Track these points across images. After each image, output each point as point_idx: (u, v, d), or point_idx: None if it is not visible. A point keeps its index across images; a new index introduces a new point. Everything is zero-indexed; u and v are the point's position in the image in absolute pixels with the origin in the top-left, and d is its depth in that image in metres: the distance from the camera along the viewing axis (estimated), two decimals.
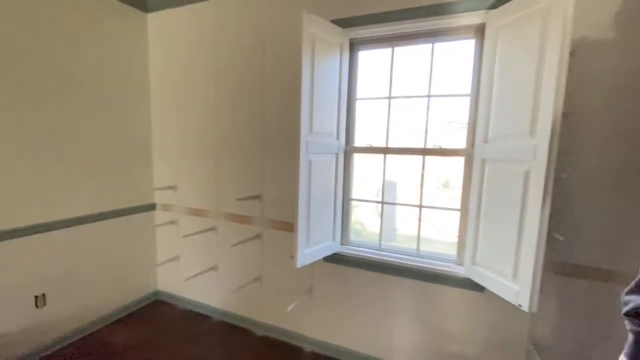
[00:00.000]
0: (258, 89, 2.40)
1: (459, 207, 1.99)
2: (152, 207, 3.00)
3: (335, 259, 2.24)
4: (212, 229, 2.75)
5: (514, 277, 1.56)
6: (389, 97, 2.11)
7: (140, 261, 2.95)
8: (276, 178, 2.44)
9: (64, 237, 2.35)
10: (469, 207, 1.89)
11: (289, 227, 2.41)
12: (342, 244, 2.29)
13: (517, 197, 1.54)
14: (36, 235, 2.20)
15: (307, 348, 2.45)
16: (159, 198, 3.01)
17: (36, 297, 2.23)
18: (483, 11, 1.74)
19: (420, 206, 2.08)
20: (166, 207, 2.98)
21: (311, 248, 2.00)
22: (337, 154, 2.12)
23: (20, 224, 2.12)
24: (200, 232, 2.71)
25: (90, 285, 2.55)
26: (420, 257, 2.10)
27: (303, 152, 1.82)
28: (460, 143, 1.98)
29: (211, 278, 2.79)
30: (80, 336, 2.49)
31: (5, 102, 1.99)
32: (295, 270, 2.42)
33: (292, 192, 2.34)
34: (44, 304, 2.28)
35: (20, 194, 2.11)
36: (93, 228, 2.53)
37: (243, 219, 2.61)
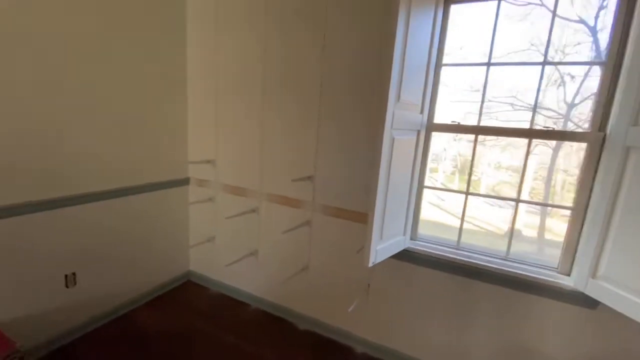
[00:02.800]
0: (317, 45, 2.01)
1: (570, 205, 1.61)
2: (185, 181, 2.72)
3: (402, 255, 1.91)
4: (253, 210, 2.46)
5: None
6: (488, 64, 1.69)
7: (172, 240, 2.72)
8: (333, 157, 2.09)
9: (93, 212, 2.10)
10: (590, 207, 1.51)
11: (344, 214, 2.09)
12: (411, 238, 1.95)
13: None
14: (67, 209, 1.95)
15: (359, 349, 2.19)
16: (193, 172, 2.73)
17: (66, 276, 2.02)
18: None
19: (518, 200, 1.71)
20: (201, 183, 2.69)
21: (384, 244, 1.68)
22: (418, 132, 1.75)
23: (50, 195, 1.86)
24: (243, 213, 2.42)
25: (121, 263, 2.32)
26: (511, 262, 1.75)
27: (387, 127, 1.45)
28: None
29: (249, 263, 2.53)
30: (111, 318, 2.30)
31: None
32: (348, 263, 2.12)
33: (352, 174, 2.01)
34: (74, 284, 2.06)
35: (50, 164, 1.84)
36: (122, 203, 2.27)
37: (290, 202, 2.29)
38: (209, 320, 2.38)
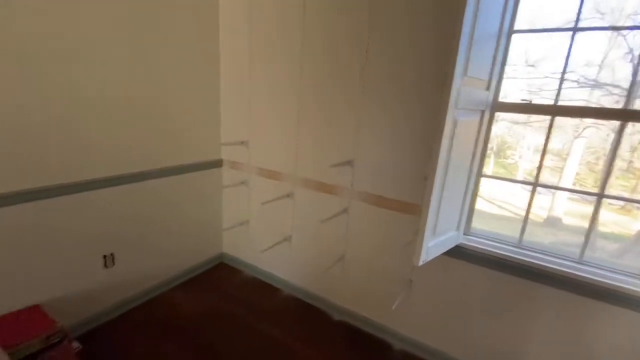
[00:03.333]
0: (363, 12, 1.78)
1: None
2: (218, 163, 2.64)
3: (452, 251, 1.72)
4: (288, 195, 2.34)
5: None
6: (574, 29, 1.39)
7: (205, 222, 2.68)
8: (377, 140, 1.89)
9: (129, 194, 2.07)
10: None
11: (386, 203, 1.92)
12: (464, 233, 1.74)
13: None
14: (102, 190, 1.93)
15: (397, 345, 2.06)
16: (226, 154, 2.63)
17: (105, 256, 2.02)
18: None
19: (601, 195, 1.44)
20: (234, 165, 2.60)
21: (436, 240, 1.49)
22: (483, 112, 1.50)
23: (89, 176, 1.84)
24: (278, 199, 2.31)
25: (155, 245, 2.31)
26: (586, 265, 1.50)
27: (451, 106, 1.23)
28: None
29: (283, 249, 2.44)
30: (146, 299, 2.32)
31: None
32: (388, 256, 1.96)
33: (398, 159, 1.81)
34: (113, 264, 2.07)
35: (88, 146, 1.80)
36: (157, 184, 2.22)
37: (326, 188, 2.14)
38: (242, 304, 2.35)
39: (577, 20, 1.39)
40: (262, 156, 2.43)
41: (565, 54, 1.42)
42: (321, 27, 1.95)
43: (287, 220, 2.40)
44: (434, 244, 1.48)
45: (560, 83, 1.45)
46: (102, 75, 1.80)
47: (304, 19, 2.00)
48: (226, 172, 2.67)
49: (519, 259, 1.58)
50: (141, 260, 2.24)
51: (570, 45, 1.42)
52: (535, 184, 1.56)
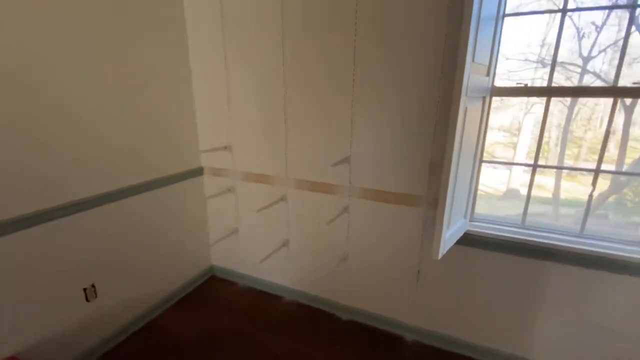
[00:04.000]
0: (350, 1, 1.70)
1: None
2: (198, 172, 2.45)
3: (460, 238, 1.72)
4: (281, 199, 2.22)
5: None
6: (563, 10, 1.41)
7: (191, 235, 2.49)
8: (371, 134, 1.84)
9: (104, 216, 1.84)
10: None
11: (387, 197, 1.89)
12: (469, 220, 1.76)
13: None
14: (75, 216, 1.69)
15: (409, 337, 2.06)
16: (207, 161, 2.45)
17: (85, 289, 1.79)
18: None
19: (598, 170, 1.50)
20: (217, 172, 2.43)
21: (450, 230, 1.47)
22: (484, 98, 1.49)
23: (54, 202, 1.59)
24: (271, 204, 2.18)
25: (140, 267, 2.10)
26: (586, 239, 1.57)
27: (463, 93, 1.20)
28: None
29: (280, 254, 2.33)
30: (138, 327, 2.11)
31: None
32: (392, 249, 1.94)
33: (397, 151, 1.77)
34: (95, 296, 1.85)
35: (50, 170, 1.56)
36: (133, 203, 2.00)
37: (322, 187, 2.06)
38: (243, 317, 2.22)
39: (566, 2, 1.41)
40: (248, 160, 2.28)
41: (560, 38, 1.44)
42: (303, 14, 1.83)
43: (282, 225, 2.29)
44: (449, 235, 1.46)
45: (552, 67, 1.47)
46: (58, 82, 1.56)
47: (281, 7, 1.87)
48: (208, 181, 2.49)
49: (524, 239, 1.62)
50: (126, 287, 2.03)
51: (561, 26, 1.44)
52: (535, 166, 1.60)
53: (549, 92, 1.49)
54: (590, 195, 1.54)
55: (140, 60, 1.92)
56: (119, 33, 1.78)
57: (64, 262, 1.67)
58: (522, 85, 1.53)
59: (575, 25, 4.61)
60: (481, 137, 1.56)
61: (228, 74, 2.15)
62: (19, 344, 1.51)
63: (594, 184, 1.51)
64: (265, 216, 2.28)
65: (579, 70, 4.54)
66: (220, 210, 2.51)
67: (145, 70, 1.97)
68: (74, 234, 1.70)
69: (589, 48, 4.46)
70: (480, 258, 1.76)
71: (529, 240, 1.61)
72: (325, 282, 2.25)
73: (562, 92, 1.49)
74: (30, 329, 1.56)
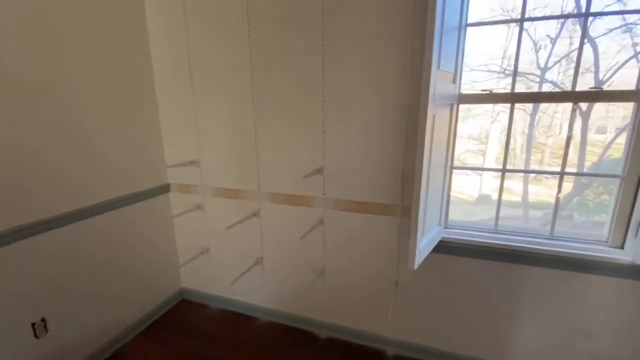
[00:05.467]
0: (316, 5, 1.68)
1: (619, 173, 1.46)
2: (165, 189, 2.32)
3: (436, 246, 1.70)
4: (253, 214, 2.13)
5: None
6: (521, 20, 1.46)
7: (158, 257, 2.33)
8: (344, 144, 1.81)
9: (57, 240, 1.68)
10: None
11: (362, 207, 1.85)
12: (444, 227, 1.75)
13: None
14: (22, 242, 1.53)
15: (390, 351, 2.00)
16: (174, 177, 2.33)
17: (34, 324, 1.61)
18: None
19: (562, 173, 1.53)
20: (185, 189, 2.31)
21: (425, 239, 1.45)
22: (452, 105, 1.50)
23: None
24: (243, 220, 2.09)
25: (100, 296, 1.93)
26: (557, 240, 1.59)
27: (430, 100, 1.19)
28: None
29: (254, 273, 2.23)
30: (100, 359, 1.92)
31: None
32: (370, 261, 1.90)
33: (371, 161, 1.75)
34: (45, 331, 1.66)
35: None
36: (92, 224, 1.85)
37: (296, 200, 2.00)
38: (216, 343, 2.08)
39: (523, 12, 1.46)
40: (217, 175, 2.19)
41: (520, 46, 1.49)
42: (270, 22, 1.80)
43: (256, 241, 2.19)
44: (424, 244, 1.44)
45: (514, 75, 1.52)
46: (17, 103, 1.42)
47: (248, 13, 1.83)
48: (175, 198, 2.36)
49: (497, 244, 1.62)
50: (85, 318, 1.85)
51: (520, 34, 1.49)
52: (503, 170, 1.62)
53: (512, 98, 1.53)
54: (557, 197, 1.57)
55: (102, 73, 1.81)
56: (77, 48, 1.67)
57: (7, 294, 1.49)
58: (487, 92, 1.56)
59: (531, 38, 4.90)
60: (451, 143, 1.57)
61: (193, 88, 2.07)
62: None
63: (559, 186, 1.55)
64: (237, 233, 2.17)
65: (538, 79, 4.82)
66: (189, 228, 2.38)
67: (106, 83, 1.85)
68: (19, 262, 1.53)
69: (545, 60, 4.73)
70: (456, 265, 1.74)
71: (503, 245, 1.62)
72: (302, 299, 2.16)
73: (525, 97, 1.54)
74: None
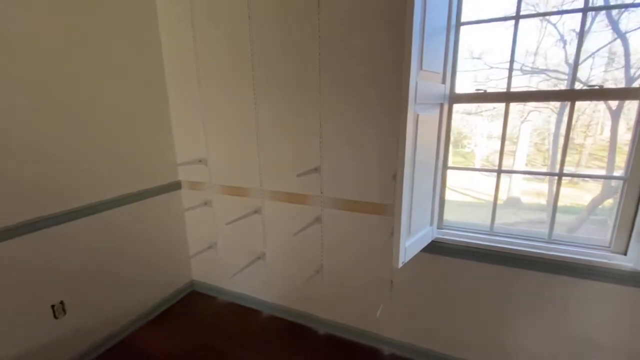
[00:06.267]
0: (311, 12, 1.73)
1: (622, 174, 1.39)
2: (176, 185, 2.46)
3: (429, 247, 1.70)
4: (255, 211, 2.22)
5: None
6: (517, 17, 1.43)
7: (170, 250, 2.48)
8: (340, 144, 1.84)
9: (77, 230, 1.85)
10: None
11: (358, 207, 1.87)
12: (438, 227, 1.73)
13: None
14: (45, 230, 1.70)
15: (386, 350, 2.00)
16: (184, 175, 2.46)
17: (53, 306, 1.78)
18: None
19: (561, 174, 1.48)
20: (194, 186, 2.43)
21: (412, 239, 1.46)
22: (441, 105, 1.50)
23: (21, 218, 1.60)
24: (244, 217, 2.18)
25: (115, 283, 2.09)
26: (556, 244, 1.54)
27: (411, 101, 1.20)
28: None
29: (257, 267, 2.31)
30: (109, 345, 2.08)
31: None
32: (366, 260, 1.91)
33: (365, 161, 1.77)
34: (64, 313, 1.83)
35: (23, 181, 1.57)
36: (111, 216, 2.01)
37: (295, 198, 2.06)
38: (220, 334, 2.18)
39: (518, 9, 1.43)
40: (223, 173, 2.29)
41: (509, 45, 1.46)
42: (270, 27, 1.87)
43: (259, 237, 2.28)
44: (411, 243, 1.44)
45: (510, 71, 1.48)
46: (41, 103, 1.59)
47: (250, 25, 1.91)
48: (186, 194, 2.49)
49: (492, 246, 1.59)
50: (99, 303, 2.01)
51: (515, 32, 1.46)
52: (499, 171, 1.58)
53: (506, 97, 1.49)
54: (555, 200, 1.52)
55: (123, 81, 1.98)
56: (99, 56, 1.83)
57: (30, 278, 1.66)
58: (482, 91, 1.54)
59: (559, 32, 4.66)
60: (442, 143, 1.56)
61: (200, 90, 2.19)
62: None
63: (557, 189, 1.49)
64: (241, 229, 2.27)
65: (566, 77, 4.58)
66: (198, 224, 2.51)
67: (126, 89, 2.02)
68: (42, 250, 1.70)
69: (573, 56, 4.49)
70: (451, 266, 1.73)
71: (497, 247, 1.58)
72: (301, 295, 2.22)
73: (517, 97, 1.49)
74: None
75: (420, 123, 1.32)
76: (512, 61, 1.48)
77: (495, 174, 1.58)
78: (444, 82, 1.47)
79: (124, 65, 2.01)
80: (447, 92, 1.52)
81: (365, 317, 2.03)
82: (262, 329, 2.23)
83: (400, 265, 1.37)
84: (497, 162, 1.58)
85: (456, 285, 1.74)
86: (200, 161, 2.33)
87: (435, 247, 1.71)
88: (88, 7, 1.80)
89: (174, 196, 2.46)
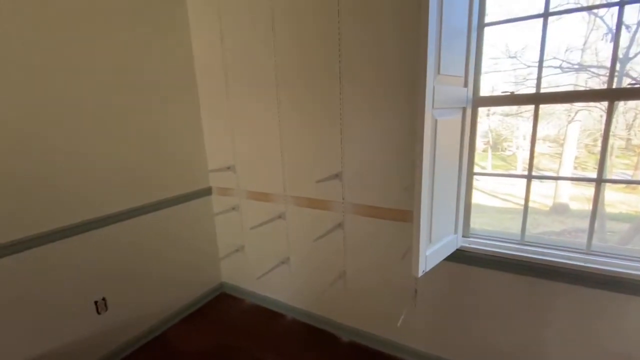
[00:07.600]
0: (332, 20, 1.75)
1: None
2: (208, 191, 2.59)
3: (454, 256, 1.64)
4: (279, 216, 2.27)
5: None
6: (545, 14, 1.36)
7: (201, 252, 2.60)
8: (361, 150, 1.84)
9: (118, 233, 2.01)
10: None
11: (380, 213, 1.85)
12: (463, 235, 1.67)
13: None
14: (89, 233, 1.87)
15: None
16: (214, 181, 2.58)
17: (96, 302, 1.94)
18: None
19: (601, 180, 1.37)
20: (223, 192, 2.54)
21: (433, 247, 1.42)
22: (464, 109, 1.45)
23: (69, 221, 1.78)
24: (267, 222, 2.24)
25: (151, 282, 2.23)
26: (595, 256, 1.42)
27: (428, 106, 1.18)
28: None
29: (282, 271, 2.36)
30: (146, 340, 2.22)
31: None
32: (390, 267, 1.88)
33: (387, 166, 1.75)
34: (106, 309, 1.99)
35: (66, 189, 1.75)
36: (146, 220, 2.17)
37: (318, 204, 2.08)
38: (245, 336, 2.25)
39: (547, 5, 1.36)
40: (249, 179, 2.38)
41: (544, 42, 1.38)
42: (291, 41, 1.93)
43: (283, 242, 2.32)
44: (432, 251, 1.40)
45: (539, 71, 1.40)
46: (82, 115, 1.77)
47: (274, 38, 1.98)
48: (216, 199, 2.61)
49: (522, 256, 1.50)
50: (137, 300, 2.16)
51: (544, 31, 1.38)
52: (529, 177, 1.50)
53: (536, 99, 1.41)
54: (593, 206, 1.40)
55: (167, 100, 2.21)
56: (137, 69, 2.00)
57: (77, 276, 1.83)
58: (508, 93, 1.47)
59: (607, 26, 4.31)
60: (465, 148, 1.50)
61: (228, 100, 2.30)
62: (30, 355, 1.66)
63: (596, 195, 1.38)
64: (267, 233, 2.33)
65: (605, 72, 4.21)
66: (227, 228, 2.61)
67: (165, 104, 2.22)
68: (87, 250, 1.87)
69: (624, 51, 4.12)
70: (478, 276, 1.65)
71: (527, 258, 1.49)
72: (324, 300, 2.22)
73: (548, 98, 1.40)
74: (41, 340, 1.71)
75: (440, 128, 1.29)
76: (541, 60, 1.40)
77: (540, 180, 1.49)
78: (465, 85, 1.42)
79: (170, 90, 2.23)
80: (470, 95, 1.46)
81: (388, 325, 1.99)
82: (285, 333, 2.27)
83: (420, 274, 1.34)
84: (543, 166, 1.50)
85: (482, 296, 1.66)
86: (228, 168, 2.43)
87: (461, 256, 1.64)
88: (129, 23, 1.97)
89: (205, 201, 2.59)
